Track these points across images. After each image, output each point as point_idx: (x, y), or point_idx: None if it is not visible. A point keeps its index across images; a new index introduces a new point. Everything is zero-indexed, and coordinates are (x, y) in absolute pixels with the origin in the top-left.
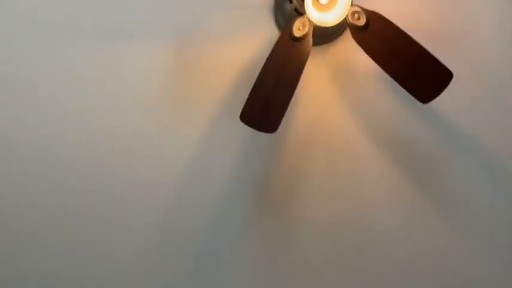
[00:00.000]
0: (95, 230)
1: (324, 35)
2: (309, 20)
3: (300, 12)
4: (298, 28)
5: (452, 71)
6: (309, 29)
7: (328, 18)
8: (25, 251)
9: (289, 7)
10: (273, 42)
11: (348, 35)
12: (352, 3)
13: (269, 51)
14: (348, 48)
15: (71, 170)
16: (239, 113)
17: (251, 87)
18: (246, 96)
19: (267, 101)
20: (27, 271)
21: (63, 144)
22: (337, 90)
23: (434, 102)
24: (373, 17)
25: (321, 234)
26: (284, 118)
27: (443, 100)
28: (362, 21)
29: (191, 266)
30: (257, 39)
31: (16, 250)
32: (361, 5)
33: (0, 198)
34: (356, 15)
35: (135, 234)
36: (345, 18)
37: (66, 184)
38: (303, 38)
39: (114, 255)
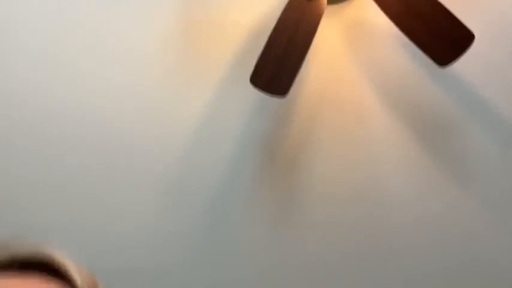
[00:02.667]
0: (103, 185)
1: None
2: None
3: None
4: None
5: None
6: None
7: None
8: None
9: None
10: (285, 1)
11: None
12: None
13: (281, 10)
14: (363, 6)
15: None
16: (249, 74)
17: (262, 48)
18: (257, 58)
19: (278, 64)
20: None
21: (72, 103)
22: (351, 50)
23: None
24: None
25: (329, 192)
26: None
27: (460, 61)
28: None
29: (201, 224)
30: None
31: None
32: None
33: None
34: None
35: (145, 194)
36: None
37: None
38: None
39: (123, 212)
